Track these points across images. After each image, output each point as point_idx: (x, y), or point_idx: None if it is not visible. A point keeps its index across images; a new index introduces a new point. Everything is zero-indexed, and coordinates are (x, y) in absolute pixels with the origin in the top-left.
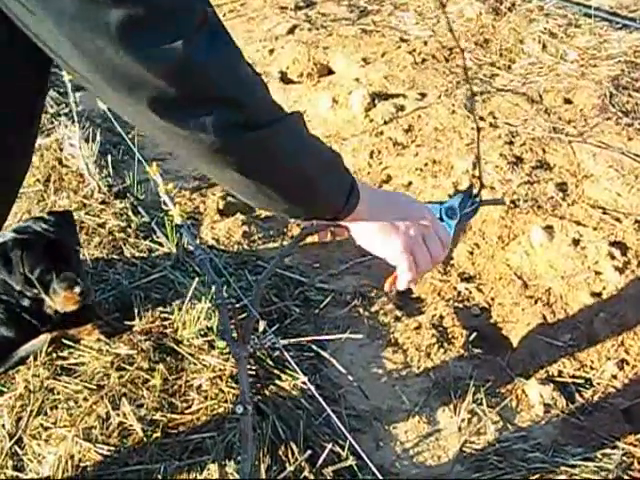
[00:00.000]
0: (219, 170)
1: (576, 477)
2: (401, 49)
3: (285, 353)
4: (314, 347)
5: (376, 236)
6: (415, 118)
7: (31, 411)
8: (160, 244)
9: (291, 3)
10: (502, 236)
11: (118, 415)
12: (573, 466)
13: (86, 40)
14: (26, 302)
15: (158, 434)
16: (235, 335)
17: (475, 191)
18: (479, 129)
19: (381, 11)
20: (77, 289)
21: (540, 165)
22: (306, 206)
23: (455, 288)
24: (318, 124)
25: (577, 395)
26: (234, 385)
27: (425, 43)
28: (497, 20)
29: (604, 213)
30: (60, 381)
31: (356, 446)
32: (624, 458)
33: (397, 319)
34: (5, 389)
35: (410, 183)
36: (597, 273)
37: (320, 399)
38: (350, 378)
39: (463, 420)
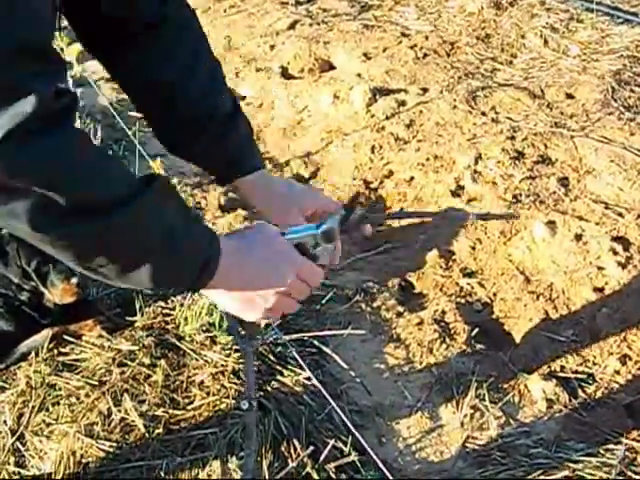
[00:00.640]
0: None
1: (579, 473)
2: (402, 44)
3: (293, 351)
4: (316, 343)
5: (235, 304)
6: (416, 113)
7: (33, 407)
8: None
9: None
10: (504, 231)
11: (120, 411)
12: (576, 461)
13: None
14: (25, 296)
15: (160, 430)
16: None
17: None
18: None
19: (382, 6)
20: (74, 280)
21: (542, 160)
22: (142, 284)
23: (457, 283)
24: (319, 120)
25: (580, 390)
26: (236, 381)
27: (426, 38)
28: (498, 15)
29: (606, 208)
30: (62, 377)
31: (362, 441)
32: (627, 453)
33: (399, 315)
34: (7, 385)
35: (412, 178)
36: (599, 268)
37: (325, 394)
38: (352, 374)
39: (466, 416)
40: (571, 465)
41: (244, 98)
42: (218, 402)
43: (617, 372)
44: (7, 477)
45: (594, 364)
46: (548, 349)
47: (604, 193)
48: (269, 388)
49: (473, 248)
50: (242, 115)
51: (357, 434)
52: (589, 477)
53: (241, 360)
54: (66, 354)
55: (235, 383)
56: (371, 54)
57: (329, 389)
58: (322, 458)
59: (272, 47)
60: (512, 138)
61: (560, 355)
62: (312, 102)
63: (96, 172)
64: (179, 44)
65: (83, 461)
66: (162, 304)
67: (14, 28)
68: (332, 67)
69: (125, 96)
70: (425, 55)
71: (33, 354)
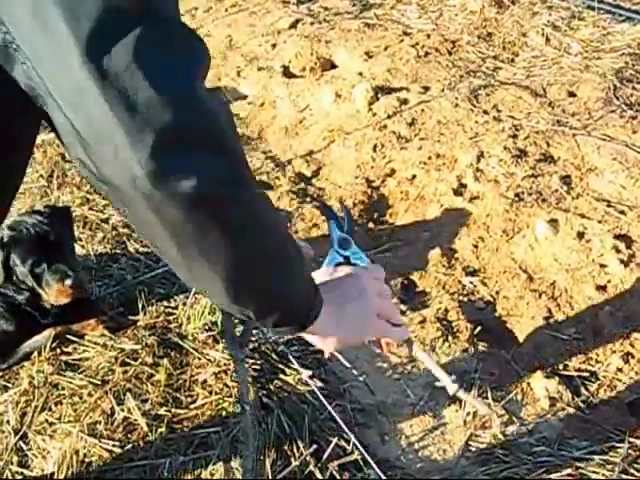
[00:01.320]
0: (188, 232)
1: (582, 471)
2: (404, 42)
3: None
4: None
5: (347, 334)
6: (418, 112)
7: (35, 407)
8: None
9: None
10: (507, 229)
11: (123, 410)
12: (579, 459)
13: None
14: (23, 295)
15: (163, 429)
16: (237, 333)
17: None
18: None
19: (383, 4)
20: (68, 282)
21: (544, 158)
22: (281, 292)
23: (460, 282)
24: (321, 118)
25: (582, 389)
26: (239, 380)
27: (428, 36)
28: (500, 13)
29: (608, 206)
30: (64, 376)
31: (357, 443)
32: (630, 451)
33: (402, 313)
34: (9, 385)
35: (414, 177)
36: (602, 266)
37: (321, 397)
38: (355, 372)
39: (468, 414)
40: (574, 463)
41: (245, 97)
42: (221, 401)
43: (620, 370)
44: (10, 477)
45: (597, 362)
46: (551, 347)
47: (606, 191)
48: (271, 387)
49: (475, 246)
50: None
51: (354, 438)
52: (592, 475)
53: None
54: (69, 353)
55: (238, 382)
56: (373, 53)
57: (331, 388)
58: (325, 457)
59: (274, 46)
60: (514, 136)
61: (563, 353)
62: (314, 101)
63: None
64: None
65: (86, 460)
66: (165, 303)
67: None
68: (334, 66)
69: None
70: (427, 54)
71: (36, 354)
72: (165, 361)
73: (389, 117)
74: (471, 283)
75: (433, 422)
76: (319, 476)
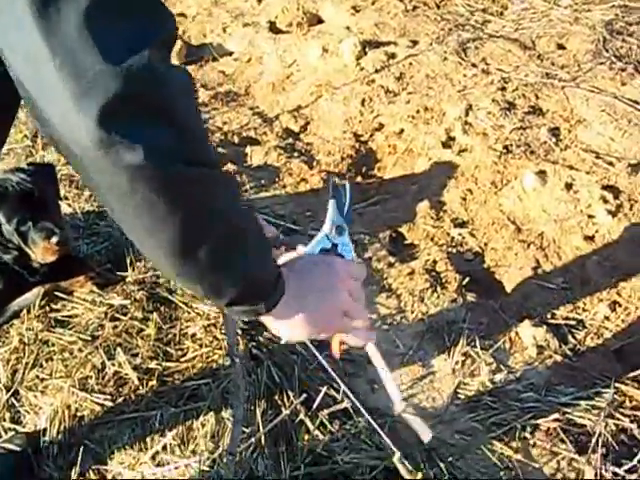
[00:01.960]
0: (135, 202)
1: (569, 416)
2: None
3: None
4: None
5: (305, 326)
6: (406, 66)
7: (26, 363)
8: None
9: None
10: (495, 181)
11: (113, 365)
12: (566, 405)
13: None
14: (11, 254)
15: (154, 382)
16: None
17: (346, 184)
18: None
19: None
20: (54, 239)
21: (533, 111)
22: (233, 277)
23: (448, 234)
24: (308, 74)
25: (570, 337)
26: (228, 332)
27: None
28: None
29: (597, 157)
30: (54, 333)
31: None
32: (616, 396)
33: (390, 265)
34: (0, 343)
35: (402, 130)
36: (590, 217)
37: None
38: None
39: (457, 362)
40: (561, 408)
41: (232, 54)
42: (211, 354)
43: (607, 318)
44: (3, 433)
45: (584, 311)
46: (539, 297)
47: (595, 143)
48: (261, 339)
49: (464, 199)
50: None
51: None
52: (578, 420)
53: None
54: (58, 310)
55: (227, 334)
56: (360, 7)
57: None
58: (315, 405)
59: (259, 1)
60: (503, 89)
61: (550, 302)
62: (301, 56)
63: (203, 123)
64: None
65: (78, 415)
66: None
67: None
68: (320, 21)
69: None
70: (415, 7)
71: (25, 312)
72: (154, 315)
73: (377, 71)
74: (459, 235)
75: (422, 371)
76: (309, 425)
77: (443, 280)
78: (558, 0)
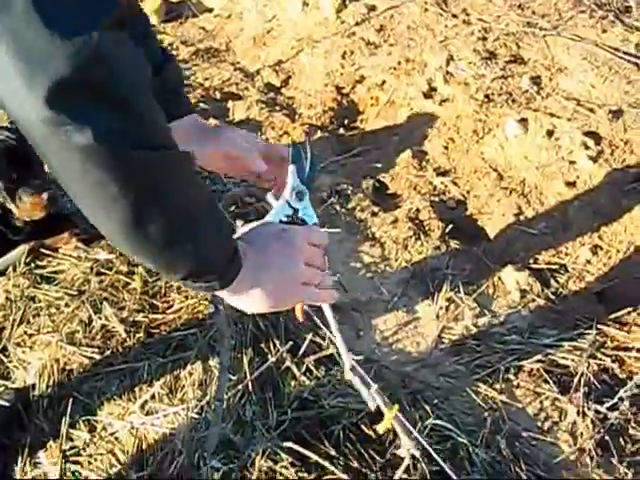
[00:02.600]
0: (87, 182)
1: (552, 357)
2: None
3: None
4: None
5: (264, 301)
6: (387, 18)
7: (14, 320)
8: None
9: None
10: (477, 130)
11: (100, 318)
12: (549, 346)
13: None
14: None
15: (141, 334)
16: None
17: (307, 145)
18: None
19: None
20: (45, 195)
21: (514, 60)
22: (186, 254)
23: (431, 183)
24: (289, 28)
25: (552, 280)
26: None
27: None
28: None
29: (578, 104)
30: (41, 289)
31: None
32: (598, 337)
33: (374, 214)
34: None
35: (384, 82)
36: (571, 163)
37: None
38: (328, 272)
39: (441, 308)
40: (544, 350)
41: (211, 10)
42: (197, 304)
43: (588, 262)
44: None
45: (566, 255)
46: (521, 242)
47: (576, 90)
48: None
49: (446, 148)
50: (171, 66)
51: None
52: (561, 361)
53: None
54: (44, 267)
55: None
56: None
57: None
58: (301, 352)
59: None
60: (484, 39)
61: (533, 248)
62: (281, 10)
63: (156, 108)
64: None
65: (67, 368)
66: None
67: None
68: None
69: None
70: None
71: (11, 269)
72: (140, 269)
73: (357, 24)
74: (442, 183)
75: (406, 317)
76: (296, 371)
77: (426, 228)
78: None
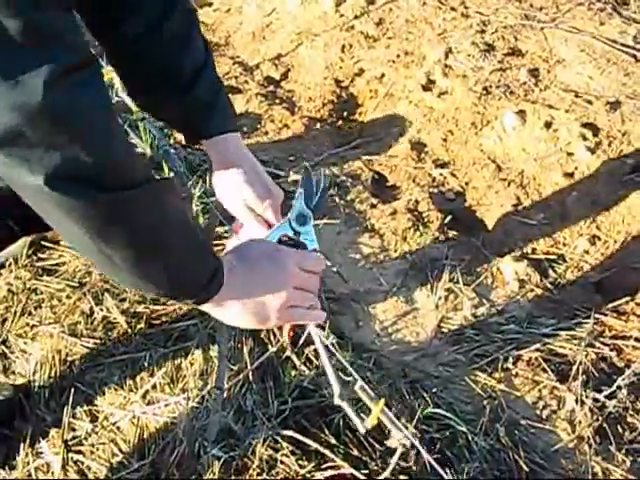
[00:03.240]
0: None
1: (550, 346)
2: None
3: None
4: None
5: (246, 318)
6: (386, 11)
7: (15, 312)
8: (134, 146)
9: None
10: (475, 122)
11: (102, 310)
12: (547, 336)
13: None
14: None
15: (142, 325)
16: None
17: (321, 175)
18: None
19: None
20: None
21: (512, 52)
22: (158, 284)
23: (430, 174)
24: (288, 22)
25: (550, 271)
26: None
27: None
28: None
29: (576, 96)
30: (42, 281)
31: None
32: (595, 326)
33: (373, 206)
34: None
35: (383, 75)
36: (569, 154)
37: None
38: (328, 263)
39: (440, 298)
40: (542, 339)
41: (211, 4)
42: None
43: (586, 252)
44: None
45: (564, 245)
46: (520, 233)
47: (574, 82)
48: None
49: (445, 140)
50: (204, 81)
51: None
52: (559, 350)
53: None
54: (45, 259)
55: None
56: None
57: None
58: (301, 342)
59: None
60: (482, 32)
61: (531, 238)
62: (280, 4)
63: (125, 142)
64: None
65: (68, 359)
66: None
67: None
68: None
69: None
70: None
71: (13, 262)
72: None
73: (357, 17)
74: (441, 175)
75: (406, 307)
76: (296, 361)
77: (425, 219)
78: None
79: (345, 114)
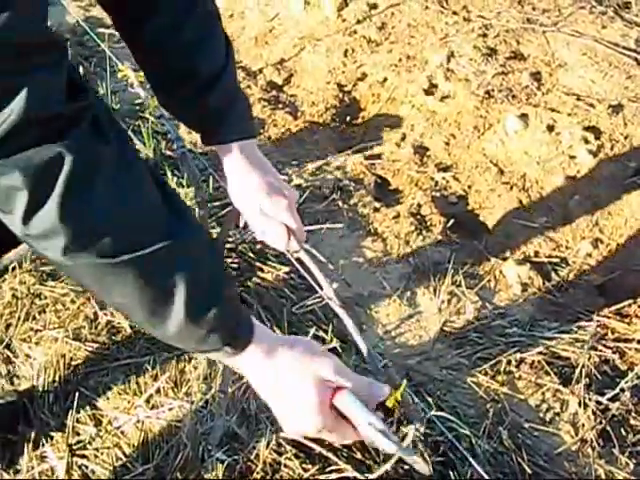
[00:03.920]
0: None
1: (552, 349)
2: None
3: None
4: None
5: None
6: (388, 15)
7: (19, 317)
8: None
9: None
10: (477, 126)
11: (106, 314)
12: (550, 339)
13: None
14: None
15: None
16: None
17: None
18: None
19: None
20: None
21: (514, 56)
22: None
23: (432, 178)
24: (291, 27)
25: (553, 274)
26: None
27: None
28: None
29: (578, 100)
30: (46, 286)
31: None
32: (598, 329)
33: (376, 210)
34: None
35: (385, 79)
36: (571, 157)
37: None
38: (331, 267)
39: (443, 301)
40: (545, 342)
41: None
42: None
43: (589, 255)
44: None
45: (567, 248)
46: (522, 236)
47: (576, 85)
48: (250, 284)
49: (447, 144)
50: (226, 79)
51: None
52: (562, 353)
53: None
54: (49, 264)
55: None
56: None
57: (309, 283)
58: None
59: None
60: (484, 36)
61: (534, 241)
62: (283, 9)
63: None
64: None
65: (72, 364)
66: None
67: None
68: None
69: (94, 14)
70: None
71: (17, 266)
72: None
73: (359, 22)
74: (443, 179)
75: (409, 311)
76: None
77: (428, 223)
78: None
79: (348, 118)
